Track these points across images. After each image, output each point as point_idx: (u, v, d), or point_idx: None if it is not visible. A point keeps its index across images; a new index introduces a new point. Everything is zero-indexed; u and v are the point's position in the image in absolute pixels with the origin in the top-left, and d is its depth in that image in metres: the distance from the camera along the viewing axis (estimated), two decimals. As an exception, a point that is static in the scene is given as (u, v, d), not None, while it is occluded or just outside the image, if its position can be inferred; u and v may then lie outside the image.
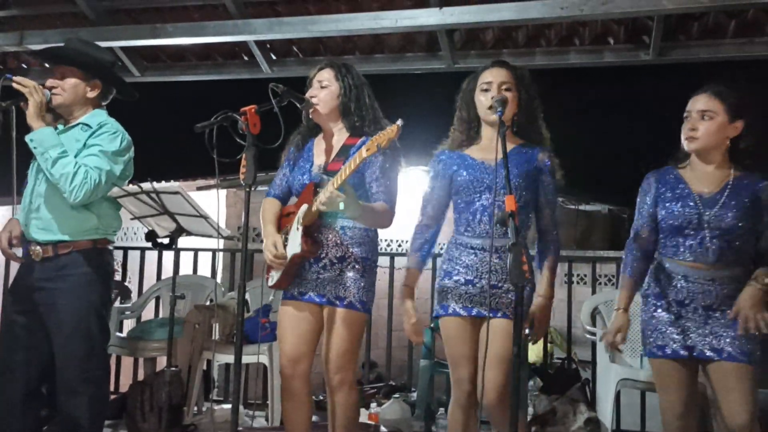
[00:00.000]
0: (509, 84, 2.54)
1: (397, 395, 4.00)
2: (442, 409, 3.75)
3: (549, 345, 5.32)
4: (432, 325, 4.11)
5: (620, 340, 2.62)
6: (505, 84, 2.53)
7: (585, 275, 8.88)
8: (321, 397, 4.10)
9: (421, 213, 2.69)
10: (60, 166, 2.63)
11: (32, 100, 2.63)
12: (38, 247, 2.76)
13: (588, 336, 3.78)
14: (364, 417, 3.59)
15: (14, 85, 2.60)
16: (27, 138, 2.64)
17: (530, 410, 3.67)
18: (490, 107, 2.50)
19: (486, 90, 2.55)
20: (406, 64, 5.00)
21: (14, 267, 2.92)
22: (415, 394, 4.16)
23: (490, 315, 2.46)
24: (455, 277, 2.55)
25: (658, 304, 2.56)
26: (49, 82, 2.79)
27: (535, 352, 5.80)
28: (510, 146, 2.49)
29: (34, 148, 2.65)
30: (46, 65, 5.23)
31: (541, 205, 2.59)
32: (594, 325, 3.71)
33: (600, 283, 7.81)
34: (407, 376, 4.70)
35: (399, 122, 2.26)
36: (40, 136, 2.62)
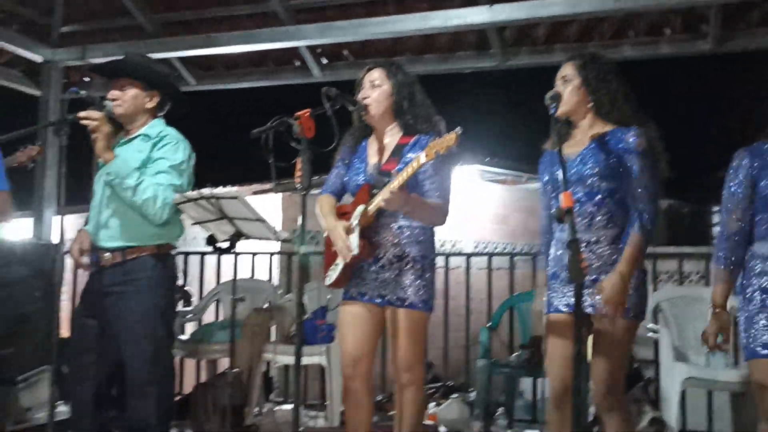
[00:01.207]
0: (568, 74, 2.50)
1: (455, 395, 3.99)
2: (501, 409, 3.72)
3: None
4: (489, 324, 4.09)
5: (722, 340, 2.39)
6: (565, 76, 2.51)
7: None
8: (379, 398, 4.13)
9: (541, 216, 2.67)
10: (140, 192, 2.72)
11: (100, 133, 2.68)
12: (107, 254, 2.87)
13: (650, 334, 3.69)
14: (422, 417, 3.59)
15: (82, 121, 2.63)
16: (102, 171, 2.72)
17: (591, 410, 3.60)
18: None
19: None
20: (457, 63, 5.00)
21: (81, 275, 3.03)
22: (473, 395, 4.14)
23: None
24: (554, 278, 2.52)
25: (761, 298, 2.33)
26: (111, 94, 2.88)
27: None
28: (594, 134, 2.47)
29: (111, 180, 2.73)
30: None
31: (632, 186, 2.42)
32: (656, 322, 3.62)
33: (660, 281, 7.62)
34: (464, 377, 4.69)
35: (458, 130, 2.26)
36: (115, 169, 2.69)
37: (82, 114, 2.63)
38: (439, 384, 4.60)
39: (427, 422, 3.70)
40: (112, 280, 2.86)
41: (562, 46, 4.65)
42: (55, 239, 5.03)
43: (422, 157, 2.33)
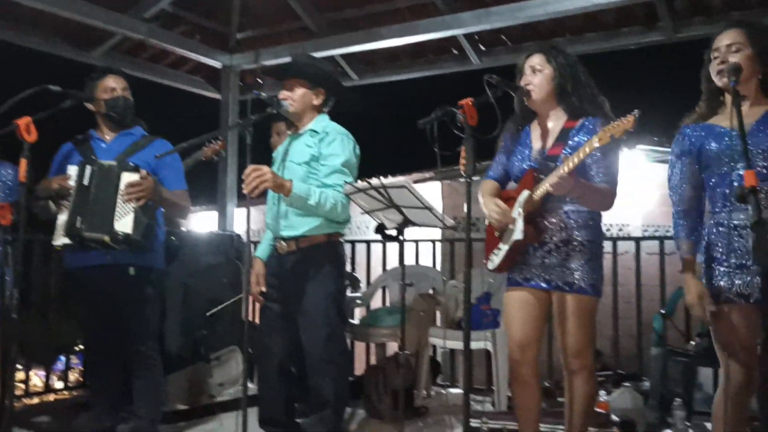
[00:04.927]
0: (738, 44, 2.33)
1: (627, 384, 3.87)
2: (678, 400, 3.55)
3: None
4: (662, 311, 3.91)
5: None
6: (734, 45, 2.33)
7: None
8: (547, 384, 4.10)
9: (675, 197, 2.51)
10: (323, 205, 2.91)
11: (269, 183, 2.79)
12: (284, 243, 3.10)
13: None
14: (592, 405, 3.52)
15: (254, 187, 2.75)
16: (286, 203, 2.94)
17: None
18: (718, 72, 2.35)
19: (716, 57, 2.38)
20: (622, 39, 4.79)
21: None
22: (645, 384, 3.99)
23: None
24: (725, 264, 2.35)
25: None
26: (281, 95, 3.11)
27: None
28: (761, 111, 2.32)
29: (297, 207, 2.94)
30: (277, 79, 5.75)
31: None
32: None
33: None
34: (636, 366, 4.52)
35: (636, 113, 2.20)
36: (296, 198, 2.86)
37: (250, 181, 2.74)
38: (610, 372, 4.47)
39: (598, 410, 3.61)
40: (288, 267, 3.09)
41: (742, 13, 4.30)
42: (237, 230, 5.48)
43: (595, 141, 2.29)
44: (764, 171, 2.26)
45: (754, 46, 2.32)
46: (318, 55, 5.13)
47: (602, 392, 3.94)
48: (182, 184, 3.27)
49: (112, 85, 3.17)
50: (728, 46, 2.34)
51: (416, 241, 5.16)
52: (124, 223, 2.93)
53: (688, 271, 2.45)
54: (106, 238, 2.92)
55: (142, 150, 3.17)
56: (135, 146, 3.18)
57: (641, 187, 8.38)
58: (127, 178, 2.96)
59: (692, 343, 3.76)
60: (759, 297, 2.23)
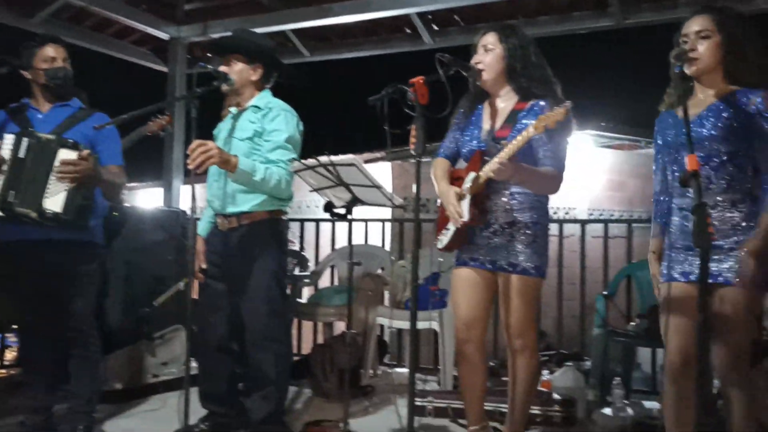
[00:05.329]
0: (707, 31, 2.29)
1: (569, 363, 3.95)
2: (617, 379, 3.65)
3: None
4: (604, 293, 4.00)
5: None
6: (703, 31, 2.30)
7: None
8: (492, 364, 4.16)
9: (654, 182, 2.53)
10: (267, 182, 2.85)
11: (215, 159, 2.69)
12: (225, 220, 3.04)
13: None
14: (535, 384, 3.58)
15: (200, 163, 2.65)
16: (231, 179, 2.86)
17: (716, 383, 3.47)
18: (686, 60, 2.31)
19: (685, 43, 2.33)
20: (574, 23, 4.84)
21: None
22: (587, 363, 4.08)
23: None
24: (678, 246, 2.37)
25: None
26: (221, 69, 3.04)
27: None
28: (717, 97, 2.32)
29: (242, 183, 2.86)
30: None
31: (760, 150, 2.29)
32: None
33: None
34: (578, 346, 4.62)
35: (567, 104, 2.23)
36: (240, 173, 2.78)
37: (194, 155, 2.64)
38: (553, 352, 4.56)
39: (541, 389, 3.68)
40: (228, 243, 3.05)
41: (688, 0, 4.38)
42: (183, 206, 5.36)
43: (531, 130, 2.32)
44: (700, 162, 2.29)
45: (723, 33, 2.30)
46: (269, 30, 5.05)
47: (545, 371, 4.01)
48: (118, 159, 3.13)
49: (52, 54, 3.03)
50: (697, 32, 2.31)
51: (365, 221, 5.14)
52: (54, 201, 2.80)
53: (651, 251, 2.50)
54: (34, 215, 2.81)
55: (79, 123, 3.05)
56: (73, 119, 3.06)
57: (588, 172, 8.54)
58: (64, 155, 2.82)
59: (632, 323, 3.85)
60: (697, 277, 2.28)
